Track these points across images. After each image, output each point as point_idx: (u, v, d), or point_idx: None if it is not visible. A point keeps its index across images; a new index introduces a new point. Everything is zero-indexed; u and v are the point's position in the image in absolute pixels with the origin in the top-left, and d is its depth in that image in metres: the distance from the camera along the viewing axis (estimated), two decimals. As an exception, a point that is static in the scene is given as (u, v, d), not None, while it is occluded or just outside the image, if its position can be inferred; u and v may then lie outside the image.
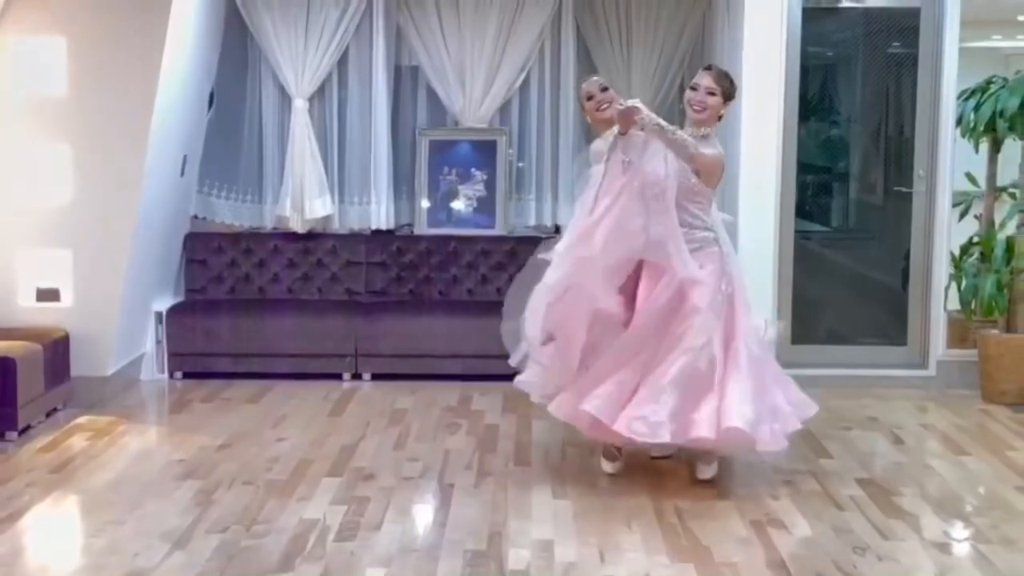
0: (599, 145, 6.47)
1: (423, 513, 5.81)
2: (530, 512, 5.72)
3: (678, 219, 6.04)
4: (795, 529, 5.48)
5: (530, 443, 6.90)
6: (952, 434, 7.21)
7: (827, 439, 7.01)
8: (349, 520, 5.55)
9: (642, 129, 5.92)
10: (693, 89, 6.23)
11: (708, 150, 6.02)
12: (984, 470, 6.49)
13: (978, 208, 8.54)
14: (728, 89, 6.23)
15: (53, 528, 5.65)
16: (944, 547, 5.32)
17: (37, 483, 6.10)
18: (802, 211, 8.55)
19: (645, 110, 5.94)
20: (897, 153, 8.55)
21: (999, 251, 8.03)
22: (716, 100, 6.17)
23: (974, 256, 8.44)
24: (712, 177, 6.16)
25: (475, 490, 6.05)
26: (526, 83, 9.03)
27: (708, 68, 6.43)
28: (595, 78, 6.90)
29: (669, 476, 6.28)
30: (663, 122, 5.92)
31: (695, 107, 6.17)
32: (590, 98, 6.58)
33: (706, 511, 5.74)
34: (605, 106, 6.45)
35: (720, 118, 6.28)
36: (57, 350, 7.36)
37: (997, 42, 9.57)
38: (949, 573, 4.99)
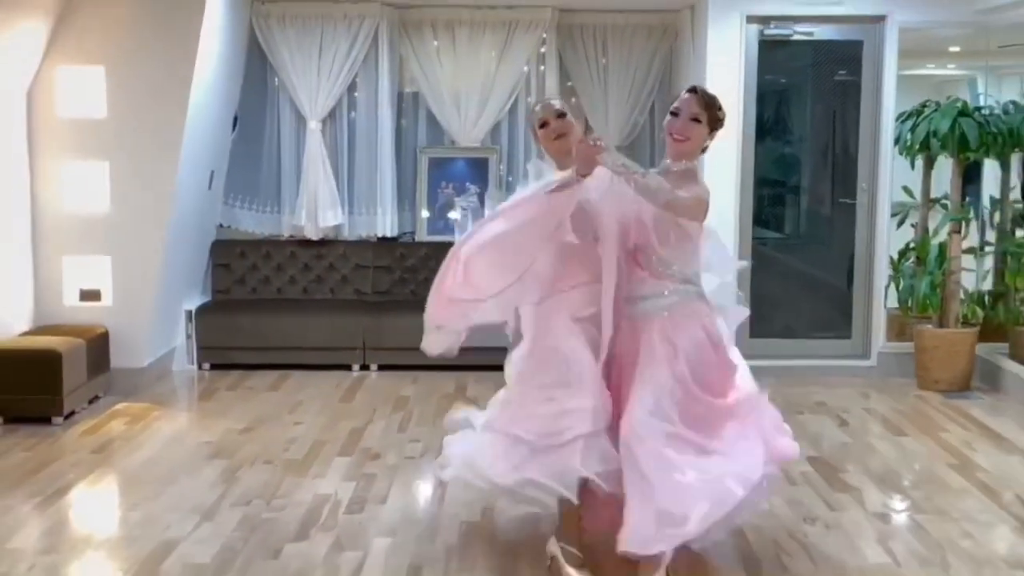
0: (547, 172, 4.73)
1: (423, 489, 5.79)
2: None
3: (645, 267, 4.55)
4: (753, 502, 5.50)
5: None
6: (891, 417, 7.23)
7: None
8: (358, 495, 5.57)
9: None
10: (674, 115, 4.53)
11: (685, 192, 4.36)
12: (920, 449, 6.51)
13: (914, 217, 8.56)
14: (715, 117, 4.59)
15: (95, 502, 5.67)
16: (884, 517, 5.35)
17: (81, 463, 6.10)
18: (759, 220, 8.57)
19: (612, 150, 4.51)
20: (842, 169, 8.55)
21: (933, 256, 8.04)
22: (700, 129, 4.54)
23: (910, 260, 8.45)
24: (694, 220, 4.51)
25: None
26: (515, 107, 9.03)
27: (692, 91, 4.63)
28: (552, 101, 5.04)
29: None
30: (630, 163, 4.38)
31: (676, 135, 4.55)
32: (543, 125, 4.77)
33: (674, 486, 5.75)
34: (562, 135, 4.71)
35: (704, 150, 4.67)
36: (98, 344, 7.35)
37: (931, 70, 9.58)
38: (888, 540, 5.01)
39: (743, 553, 4.83)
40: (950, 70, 9.87)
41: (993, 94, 8.61)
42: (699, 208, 4.41)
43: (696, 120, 4.44)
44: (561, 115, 4.74)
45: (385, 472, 5.94)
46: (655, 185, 4.24)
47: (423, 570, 4.61)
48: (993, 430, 6.90)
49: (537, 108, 4.99)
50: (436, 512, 5.33)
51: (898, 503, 5.57)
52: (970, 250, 8.13)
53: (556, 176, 4.51)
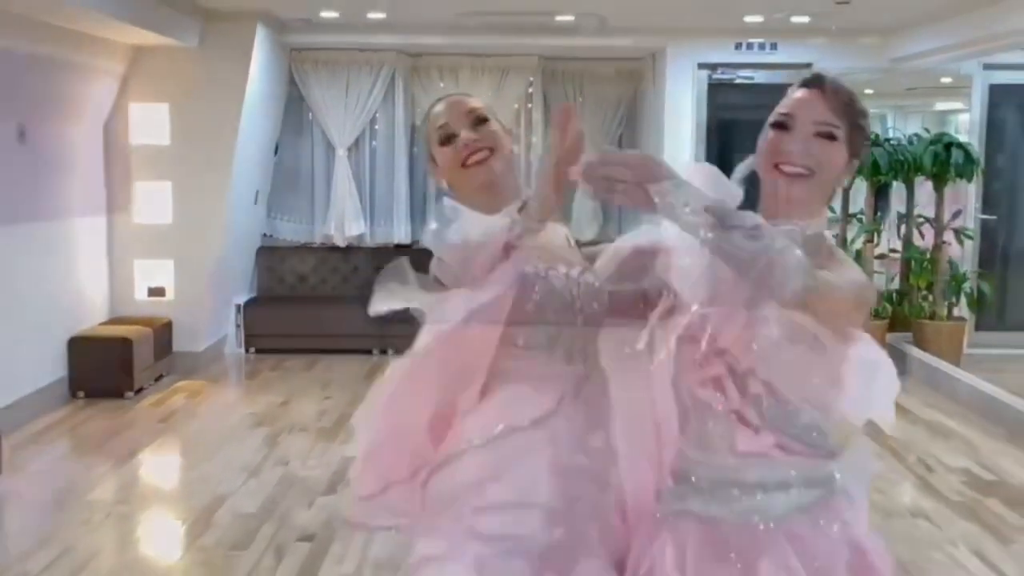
0: (472, 225, 2.06)
1: None
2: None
3: (747, 419, 1.86)
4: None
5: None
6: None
7: (726, 396, 7.05)
8: (377, 457, 5.57)
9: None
10: (781, 127, 1.99)
11: (836, 275, 1.81)
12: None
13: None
14: (858, 129, 1.98)
15: (160, 463, 5.70)
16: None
17: (149, 430, 6.10)
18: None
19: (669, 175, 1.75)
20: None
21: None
22: (835, 151, 1.93)
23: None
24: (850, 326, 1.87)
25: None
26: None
27: (816, 83, 2.03)
28: (463, 97, 2.33)
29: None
30: (707, 196, 1.77)
31: (787, 167, 1.94)
32: (448, 140, 2.24)
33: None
34: (480, 159, 2.20)
35: (835, 193, 2.09)
36: (163, 332, 7.34)
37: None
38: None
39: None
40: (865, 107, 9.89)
41: (900, 127, 8.64)
42: (859, 305, 1.90)
43: (828, 135, 1.93)
44: (480, 120, 2.23)
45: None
46: (784, 251, 1.69)
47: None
48: (900, 404, 6.88)
49: (437, 108, 2.33)
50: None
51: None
52: (880, 256, 8.14)
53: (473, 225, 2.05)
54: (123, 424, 6.19)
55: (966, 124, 9.02)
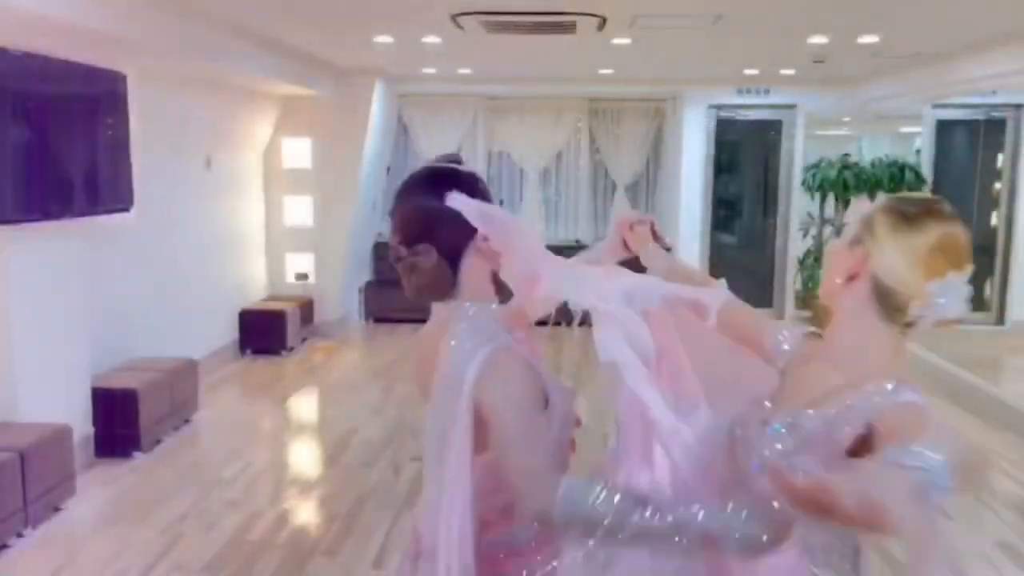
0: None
1: None
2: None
3: None
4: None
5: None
6: (796, 357, 7.45)
7: (726, 360, 7.29)
8: (465, 401, 5.94)
9: None
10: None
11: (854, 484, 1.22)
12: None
13: (813, 231, 8.73)
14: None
15: (306, 404, 6.12)
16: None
17: (298, 379, 6.55)
18: (717, 229, 8.81)
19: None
20: (768, 199, 8.75)
21: (826, 258, 8.21)
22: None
23: (810, 259, 8.62)
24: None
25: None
26: (559, 156, 9.29)
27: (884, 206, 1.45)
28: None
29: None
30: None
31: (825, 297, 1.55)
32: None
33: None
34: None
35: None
36: (306, 307, 7.78)
37: (830, 131, 9.64)
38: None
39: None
40: (843, 132, 9.94)
41: (871, 147, 8.74)
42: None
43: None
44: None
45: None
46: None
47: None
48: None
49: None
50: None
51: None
52: (849, 253, 8.29)
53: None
54: (279, 375, 6.66)
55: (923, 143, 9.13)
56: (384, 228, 9.28)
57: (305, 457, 4.90)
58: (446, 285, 1.54)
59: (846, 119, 9.79)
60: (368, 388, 6.27)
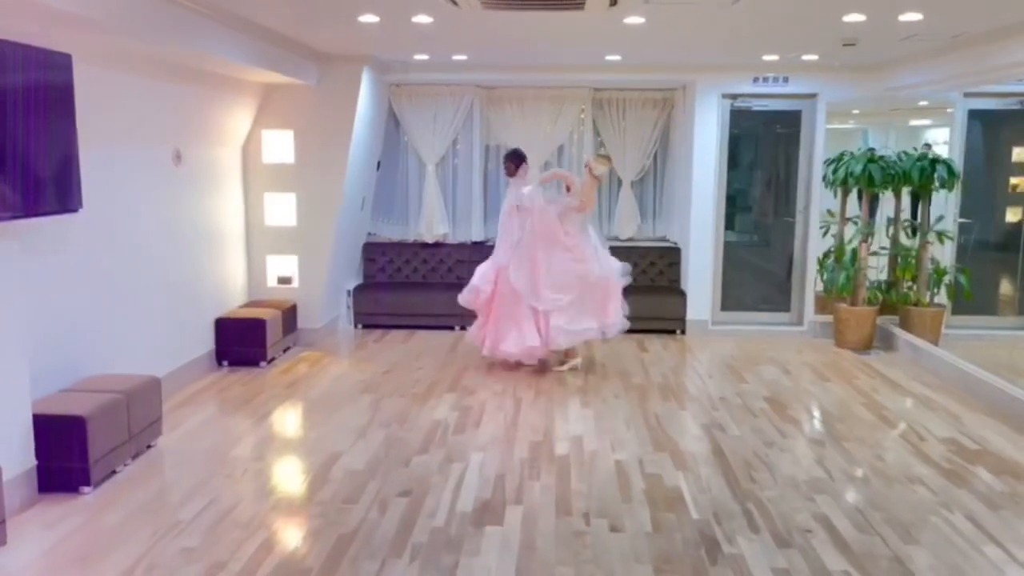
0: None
1: (504, 417, 5.49)
2: (567, 417, 5.48)
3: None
4: (729, 430, 5.20)
5: (566, 372, 6.65)
6: (819, 368, 6.87)
7: (745, 371, 6.70)
8: (460, 420, 5.35)
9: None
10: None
11: None
12: (840, 392, 6.15)
13: (834, 230, 8.14)
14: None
15: (286, 424, 5.51)
16: (820, 443, 5.02)
17: (277, 395, 5.95)
18: (730, 227, 8.20)
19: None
20: (786, 195, 8.13)
21: (848, 257, 7.64)
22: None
23: (830, 259, 8.04)
24: None
25: (535, 401, 5.82)
26: (560, 150, 8.69)
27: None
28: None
29: (648, 395, 6.01)
30: None
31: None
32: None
33: (674, 418, 5.47)
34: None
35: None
36: (289, 313, 7.19)
37: (837, 125, 9.04)
38: (824, 460, 4.70)
39: (723, 468, 4.55)
40: (848, 125, 9.35)
41: (878, 140, 8.17)
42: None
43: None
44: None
45: (478, 404, 5.72)
46: None
47: (505, 476, 4.40)
48: (890, 378, 6.53)
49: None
50: (512, 434, 5.10)
51: (829, 432, 5.22)
52: (872, 253, 7.70)
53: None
54: (258, 388, 6.06)
55: (932, 136, 8.64)
56: (375, 227, 8.69)
57: (278, 492, 4.30)
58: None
59: (856, 111, 9.24)
60: (354, 404, 5.68)
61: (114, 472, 4.36)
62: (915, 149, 7.63)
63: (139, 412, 4.59)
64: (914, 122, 9.51)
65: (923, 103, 8.52)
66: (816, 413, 5.64)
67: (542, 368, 6.57)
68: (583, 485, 4.28)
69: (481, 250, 8.62)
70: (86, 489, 4.12)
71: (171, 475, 4.49)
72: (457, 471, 4.46)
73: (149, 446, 4.76)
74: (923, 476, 4.45)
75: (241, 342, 6.58)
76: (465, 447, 4.84)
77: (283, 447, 5.00)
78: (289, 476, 4.51)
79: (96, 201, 4.75)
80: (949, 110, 8.63)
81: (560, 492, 4.18)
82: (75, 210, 4.21)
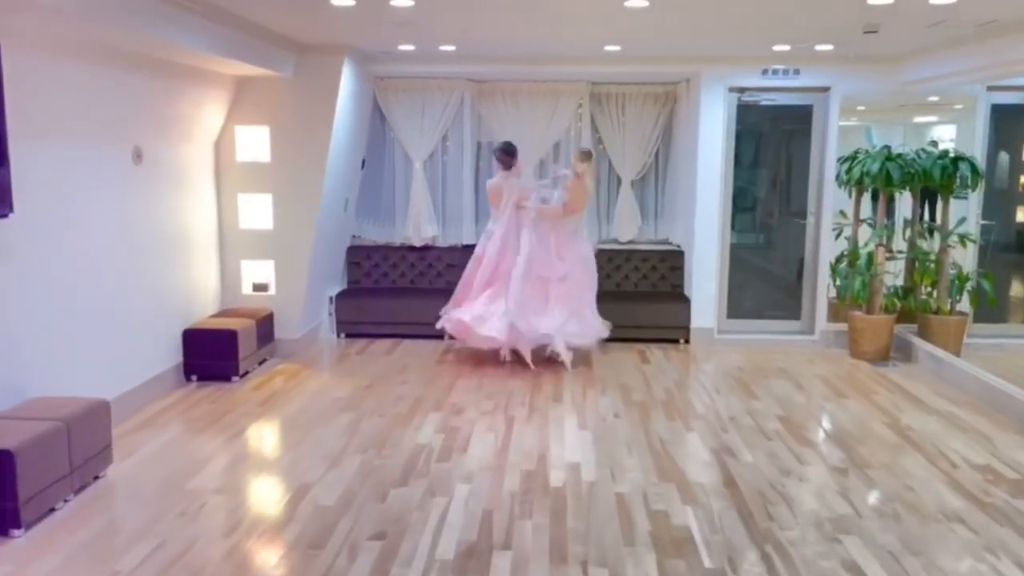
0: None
1: (494, 439, 5.00)
2: (563, 439, 5.00)
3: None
4: (740, 456, 4.72)
5: (562, 386, 6.17)
6: (834, 381, 6.39)
7: (754, 385, 6.22)
8: (445, 445, 4.87)
9: None
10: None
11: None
12: (859, 410, 5.67)
13: (847, 232, 7.67)
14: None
15: (254, 449, 5.00)
16: (843, 471, 4.52)
17: (248, 413, 5.47)
18: (737, 229, 7.72)
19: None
20: (796, 196, 7.65)
21: (863, 262, 7.16)
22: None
23: (843, 263, 7.58)
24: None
25: (528, 421, 5.34)
26: (556, 148, 8.20)
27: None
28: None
29: (651, 413, 5.53)
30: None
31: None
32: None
33: (680, 440, 4.99)
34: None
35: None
36: (265, 322, 6.71)
37: (840, 122, 8.61)
38: (849, 492, 4.21)
39: (737, 502, 4.08)
40: (851, 122, 8.90)
41: (881, 139, 7.70)
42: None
43: None
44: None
45: (466, 424, 5.24)
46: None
47: (493, 514, 3.92)
48: (911, 393, 6.06)
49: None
50: (503, 462, 4.61)
51: (850, 458, 4.72)
52: (889, 258, 7.23)
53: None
54: (227, 406, 5.58)
55: (938, 133, 8.20)
56: (360, 229, 8.21)
57: (237, 533, 3.81)
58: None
59: (861, 107, 8.77)
60: (330, 425, 5.20)
61: (52, 510, 3.87)
62: (934, 146, 7.16)
63: (83, 440, 4.10)
64: (920, 119, 9.08)
65: (933, 98, 8.07)
66: (835, 434, 5.16)
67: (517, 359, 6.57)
68: (580, 524, 3.80)
69: (472, 254, 8.18)
70: (16, 532, 3.64)
71: (119, 511, 4.00)
72: (439, 507, 3.98)
73: (97, 477, 4.27)
74: (960, 512, 3.97)
75: (211, 355, 6.10)
76: (450, 477, 4.36)
77: (248, 477, 4.51)
78: (251, 513, 4.02)
79: (37, 204, 4.27)
80: (958, 106, 8.26)
81: (554, 533, 3.70)
82: (4, 215, 3.73)
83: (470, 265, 6.87)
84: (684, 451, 4.78)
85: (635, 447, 4.83)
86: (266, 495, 4.23)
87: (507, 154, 6.79)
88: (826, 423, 5.37)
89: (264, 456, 4.84)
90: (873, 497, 4.15)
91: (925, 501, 4.10)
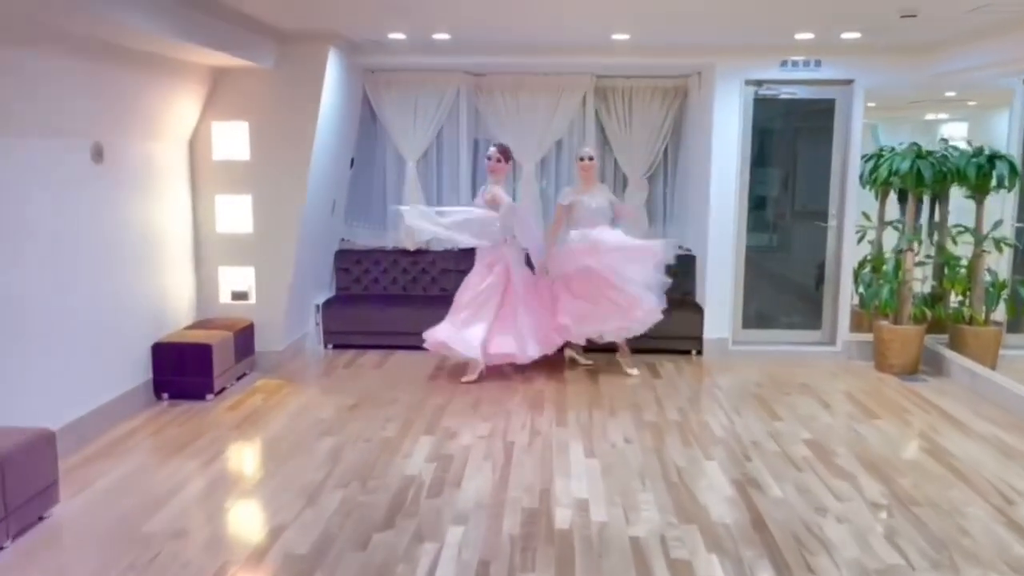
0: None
1: (492, 470, 4.46)
2: (569, 469, 4.48)
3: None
4: (768, 489, 4.21)
5: (565, 404, 5.66)
6: (862, 399, 5.88)
7: (776, 403, 5.71)
8: (437, 476, 4.35)
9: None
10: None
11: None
12: (894, 433, 5.16)
13: (870, 236, 7.17)
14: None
15: (223, 483, 4.43)
16: (885, 508, 4.01)
17: (219, 439, 4.95)
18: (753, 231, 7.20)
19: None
20: (817, 197, 7.11)
21: (891, 268, 6.66)
22: None
23: (867, 269, 7.08)
24: None
25: (530, 446, 4.82)
26: (560, 145, 7.69)
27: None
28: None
29: (665, 436, 5.02)
30: None
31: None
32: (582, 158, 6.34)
33: (699, 471, 4.47)
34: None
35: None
36: (245, 334, 6.21)
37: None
38: (895, 536, 3.70)
39: (769, 549, 3.56)
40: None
41: (888, 137, 7.20)
42: None
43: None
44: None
45: (460, 452, 4.72)
46: None
47: (490, 565, 3.41)
48: (947, 412, 5.54)
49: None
50: (501, 498, 4.09)
51: (892, 492, 4.19)
52: (919, 263, 6.72)
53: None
54: (197, 429, 5.07)
55: (948, 131, 7.67)
56: (349, 232, 7.70)
57: (199, 582, 3.31)
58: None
59: (871, 104, 8.25)
60: (310, 453, 4.69)
61: (-18, 561, 3.37)
62: (969, 144, 6.65)
63: (22, 477, 3.59)
64: (931, 116, 8.61)
65: (950, 93, 7.57)
66: (871, 463, 4.64)
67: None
68: (591, 578, 3.29)
69: (469, 258, 7.65)
70: (-65, 591, 3.13)
71: (62, 560, 3.49)
72: (428, 556, 3.46)
73: (41, 518, 3.76)
74: (1027, 562, 3.47)
75: (183, 371, 5.59)
76: (441, 517, 3.84)
77: (212, 518, 3.97)
78: (211, 566, 3.50)
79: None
80: (971, 103, 7.79)
81: (561, 591, 3.19)
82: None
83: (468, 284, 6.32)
84: (704, 484, 4.27)
85: (649, 479, 4.31)
86: (231, 542, 3.71)
87: (506, 155, 6.28)
88: (860, 449, 4.85)
89: (233, 491, 4.30)
90: (923, 542, 3.64)
91: (983, 547, 3.59)
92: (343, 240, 7.69)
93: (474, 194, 7.56)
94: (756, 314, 7.15)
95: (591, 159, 6.36)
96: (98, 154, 4.91)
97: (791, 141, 7.32)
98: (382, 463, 4.52)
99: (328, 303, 7.26)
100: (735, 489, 4.20)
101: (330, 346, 7.18)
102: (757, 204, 7.19)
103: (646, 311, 6.06)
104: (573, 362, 6.58)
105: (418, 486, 4.20)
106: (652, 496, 4.09)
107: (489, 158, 6.20)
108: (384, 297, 7.47)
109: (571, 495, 4.09)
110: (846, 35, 5.90)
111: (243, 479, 4.45)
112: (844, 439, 5.01)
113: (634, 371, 6.35)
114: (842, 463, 4.59)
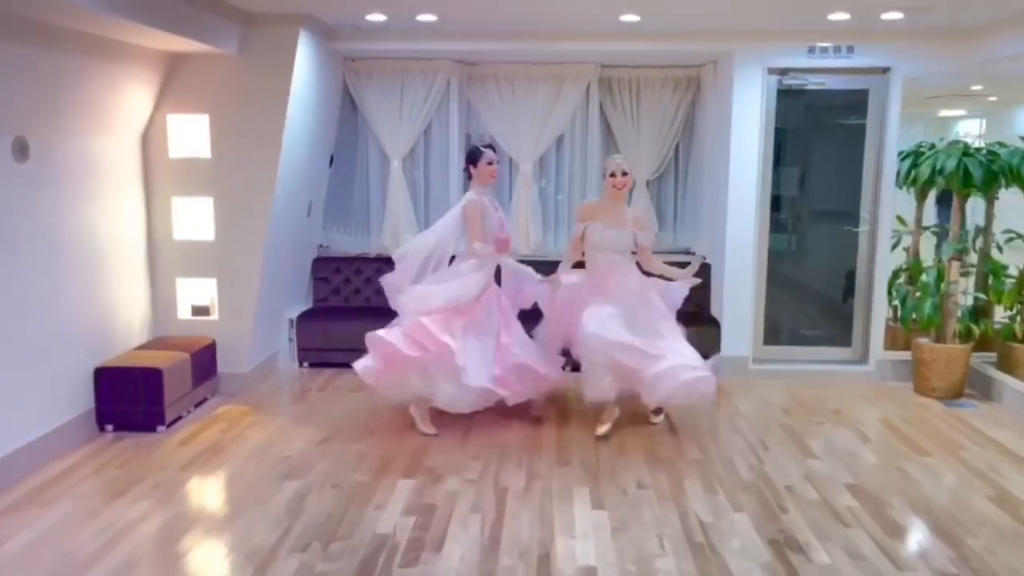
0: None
1: (481, 525, 3.77)
2: (572, 523, 3.77)
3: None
4: (812, 553, 3.50)
5: (567, 439, 4.96)
6: (904, 429, 5.17)
7: (808, 435, 5.01)
8: (416, 535, 3.64)
9: None
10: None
11: None
12: (949, 474, 4.44)
13: (906, 242, 6.48)
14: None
15: (157, 544, 3.72)
16: (958, 582, 3.32)
17: (163, 483, 4.23)
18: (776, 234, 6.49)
19: None
20: (847, 199, 6.41)
21: (931, 278, 5.97)
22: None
23: (901, 279, 6.39)
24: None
25: (526, 493, 4.12)
26: (560, 141, 7.00)
27: None
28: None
29: (684, 479, 4.32)
30: None
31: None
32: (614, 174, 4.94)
33: (727, 526, 3.76)
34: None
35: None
36: (206, 354, 5.52)
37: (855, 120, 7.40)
38: (977, 621, 3.00)
39: (823, 642, 2.86)
40: (860, 120, 7.76)
41: (902, 134, 6.51)
42: None
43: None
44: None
45: (444, 500, 4.02)
46: None
47: (475, 667, 2.71)
48: (1006, 447, 4.84)
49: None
50: (491, 565, 3.39)
51: (961, 557, 3.48)
52: (964, 273, 6.03)
53: None
54: (140, 470, 4.37)
55: (964, 129, 7.44)
56: (328, 238, 7.00)
57: None
58: None
59: (891, 100, 7.59)
60: (267, 503, 3.98)
61: None
62: (1000, 144, 5.94)
63: None
64: (945, 112, 8.00)
65: (976, 87, 6.92)
66: (932, 517, 3.93)
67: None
68: None
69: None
70: None
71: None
72: (397, 654, 2.76)
73: (-74, 595, 3.07)
74: None
75: (129, 399, 4.90)
76: (416, 595, 3.14)
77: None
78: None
79: None
80: (992, 98, 7.20)
81: None
82: None
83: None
84: (734, 545, 3.56)
85: (669, 537, 3.61)
86: (156, 627, 3.01)
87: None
88: (913, 496, 4.15)
89: (168, 556, 3.57)
90: (1013, 631, 2.94)
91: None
92: (321, 247, 6.99)
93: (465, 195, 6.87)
94: (777, 328, 6.45)
95: (624, 174, 4.89)
96: (20, 151, 4.21)
97: (818, 137, 6.61)
98: (351, 517, 3.82)
99: (303, 317, 6.56)
100: (772, 553, 3.50)
101: (305, 364, 6.49)
102: (778, 205, 6.48)
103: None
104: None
105: (390, 550, 3.50)
106: (673, 562, 3.39)
107: (491, 162, 4.95)
108: (366, 309, 6.76)
109: (575, 561, 3.39)
110: (887, 15, 5.20)
111: (184, 538, 3.72)
112: (893, 484, 4.30)
113: (659, 419, 5.22)
114: (896, 516, 3.89)
